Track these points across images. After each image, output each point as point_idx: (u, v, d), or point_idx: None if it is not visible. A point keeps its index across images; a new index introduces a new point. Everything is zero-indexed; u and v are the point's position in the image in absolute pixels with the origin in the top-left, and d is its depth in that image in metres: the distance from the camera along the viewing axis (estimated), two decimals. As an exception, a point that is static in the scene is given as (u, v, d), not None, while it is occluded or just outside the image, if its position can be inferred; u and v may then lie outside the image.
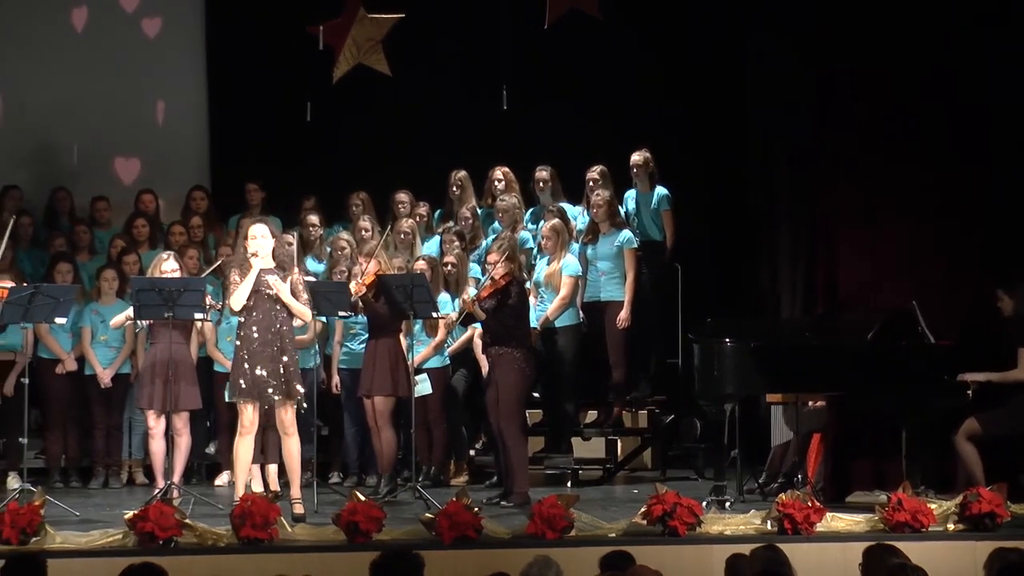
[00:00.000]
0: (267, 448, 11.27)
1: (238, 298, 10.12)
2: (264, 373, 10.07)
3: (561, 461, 12.34)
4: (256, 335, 10.12)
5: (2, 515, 8.84)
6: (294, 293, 10.21)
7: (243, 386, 10.10)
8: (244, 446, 10.24)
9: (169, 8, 14.65)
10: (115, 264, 12.46)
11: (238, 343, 10.21)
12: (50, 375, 12.22)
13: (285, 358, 10.14)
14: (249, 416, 10.16)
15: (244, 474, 10.32)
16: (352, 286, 11.17)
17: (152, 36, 14.46)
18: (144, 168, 14.30)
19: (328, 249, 12.44)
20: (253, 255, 10.09)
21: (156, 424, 10.99)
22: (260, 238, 10.19)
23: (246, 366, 10.09)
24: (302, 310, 10.28)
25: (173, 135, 14.54)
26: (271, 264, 10.23)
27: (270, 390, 10.08)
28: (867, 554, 7.27)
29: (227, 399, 10.94)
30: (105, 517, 10.04)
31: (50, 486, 11.61)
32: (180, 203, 13.60)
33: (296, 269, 10.41)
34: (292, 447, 10.27)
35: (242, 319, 10.19)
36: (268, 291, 10.14)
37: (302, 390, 10.27)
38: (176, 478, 10.75)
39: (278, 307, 10.16)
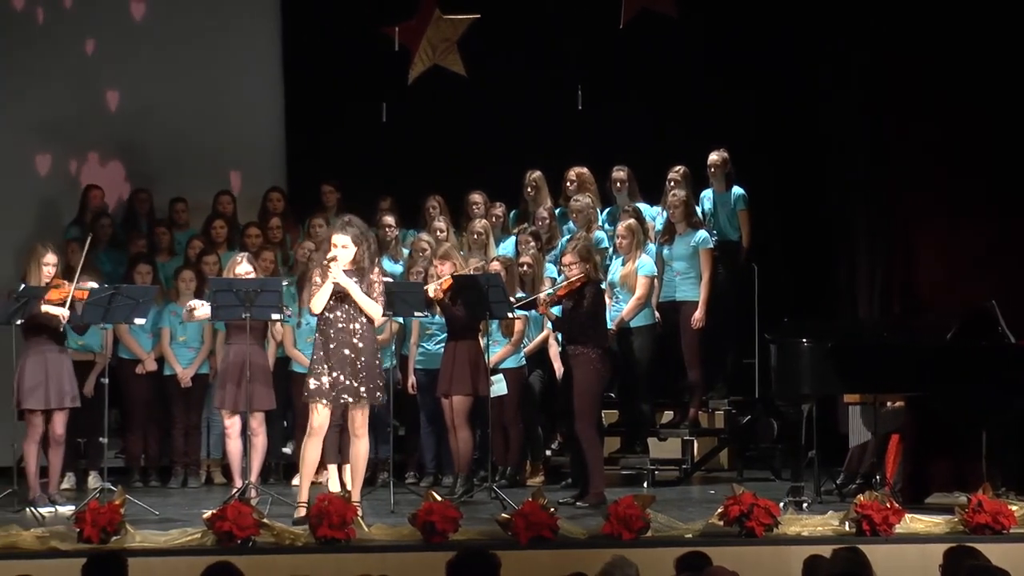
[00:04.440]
0: (344, 448, 11.23)
1: (318, 302, 10.06)
2: (341, 375, 10.01)
3: (637, 461, 12.31)
4: (334, 336, 10.08)
5: (83, 514, 8.93)
6: (369, 291, 10.12)
7: (319, 387, 10.06)
8: (312, 447, 10.08)
9: (245, 9, 14.69)
10: (192, 265, 12.54)
11: (316, 344, 10.19)
12: (130, 375, 12.34)
13: (363, 359, 10.06)
14: (320, 417, 10.03)
15: (309, 475, 10.16)
16: (431, 290, 11.16)
17: (228, 38, 14.49)
18: (220, 170, 14.33)
19: (405, 250, 12.46)
20: (333, 260, 10.02)
21: (232, 424, 11.05)
22: (341, 248, 10.09)
23: (325, 366, 10.05)
24: (371, 306, 10.05)
25: (249, 136, 14.57)
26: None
27: (346, 392, 10.03)
28: (947, 556, 7.20)
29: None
30: (184, 516, 10.12)
31: (130, 485, 11.73)
32: (256, 205, 13.65)
33: (376, 269, 10.38)
34: (361, 449, 10.16)
35: (321, 322, 10.16)
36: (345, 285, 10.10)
37: (380, 395, 10.16)
38: (253, 478, 10.78)
39: (357, 310, 10.06)
